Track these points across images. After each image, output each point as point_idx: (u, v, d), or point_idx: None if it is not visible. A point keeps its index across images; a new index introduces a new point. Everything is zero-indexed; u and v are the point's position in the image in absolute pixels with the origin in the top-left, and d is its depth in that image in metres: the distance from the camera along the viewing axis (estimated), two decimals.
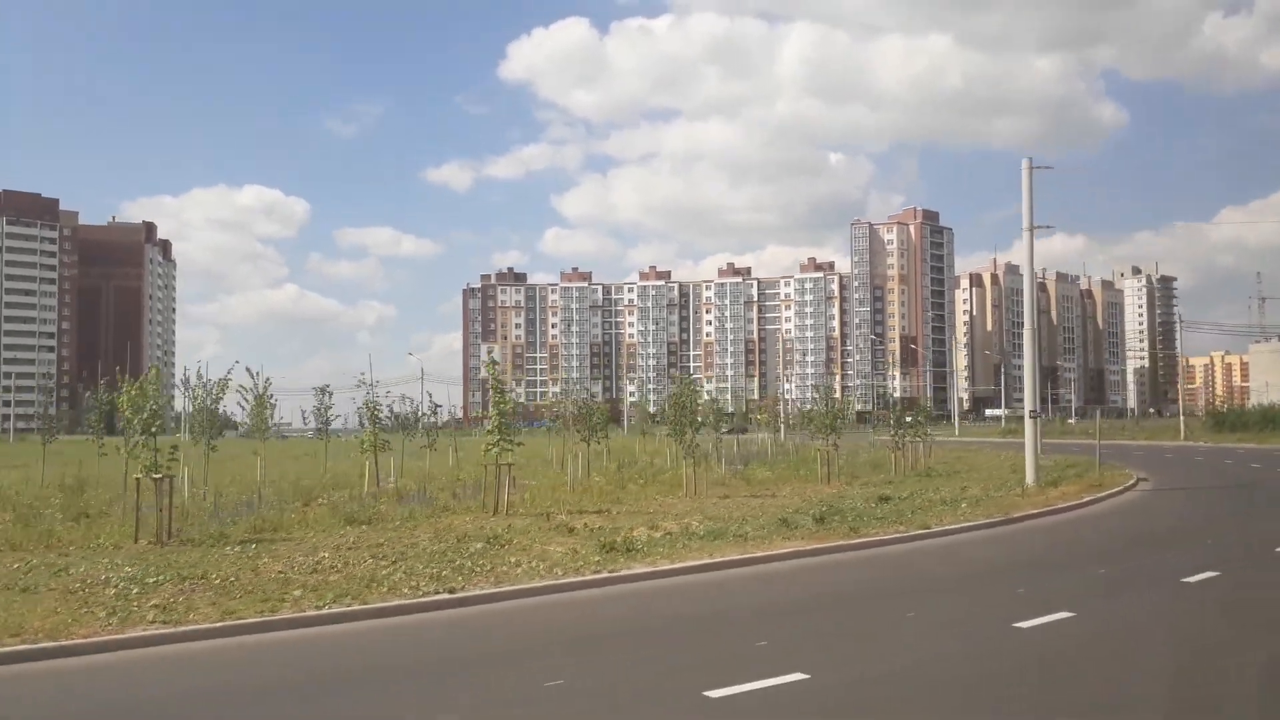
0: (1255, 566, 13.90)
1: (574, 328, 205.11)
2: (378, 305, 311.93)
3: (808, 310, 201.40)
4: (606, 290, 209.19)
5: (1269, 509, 22.51)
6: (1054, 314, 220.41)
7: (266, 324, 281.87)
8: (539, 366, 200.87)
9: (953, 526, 17.53)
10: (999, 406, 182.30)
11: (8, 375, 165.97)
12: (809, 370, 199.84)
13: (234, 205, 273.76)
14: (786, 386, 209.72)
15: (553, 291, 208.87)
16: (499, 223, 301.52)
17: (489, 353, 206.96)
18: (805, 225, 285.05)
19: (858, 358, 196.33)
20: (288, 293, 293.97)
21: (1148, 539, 17.35)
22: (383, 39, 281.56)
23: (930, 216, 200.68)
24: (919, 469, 34.68)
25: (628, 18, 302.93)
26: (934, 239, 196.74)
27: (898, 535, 16.43)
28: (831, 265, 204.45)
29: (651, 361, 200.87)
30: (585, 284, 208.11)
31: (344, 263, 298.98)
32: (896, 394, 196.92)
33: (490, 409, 19.89)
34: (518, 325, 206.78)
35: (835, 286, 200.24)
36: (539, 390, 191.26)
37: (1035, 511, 20.26)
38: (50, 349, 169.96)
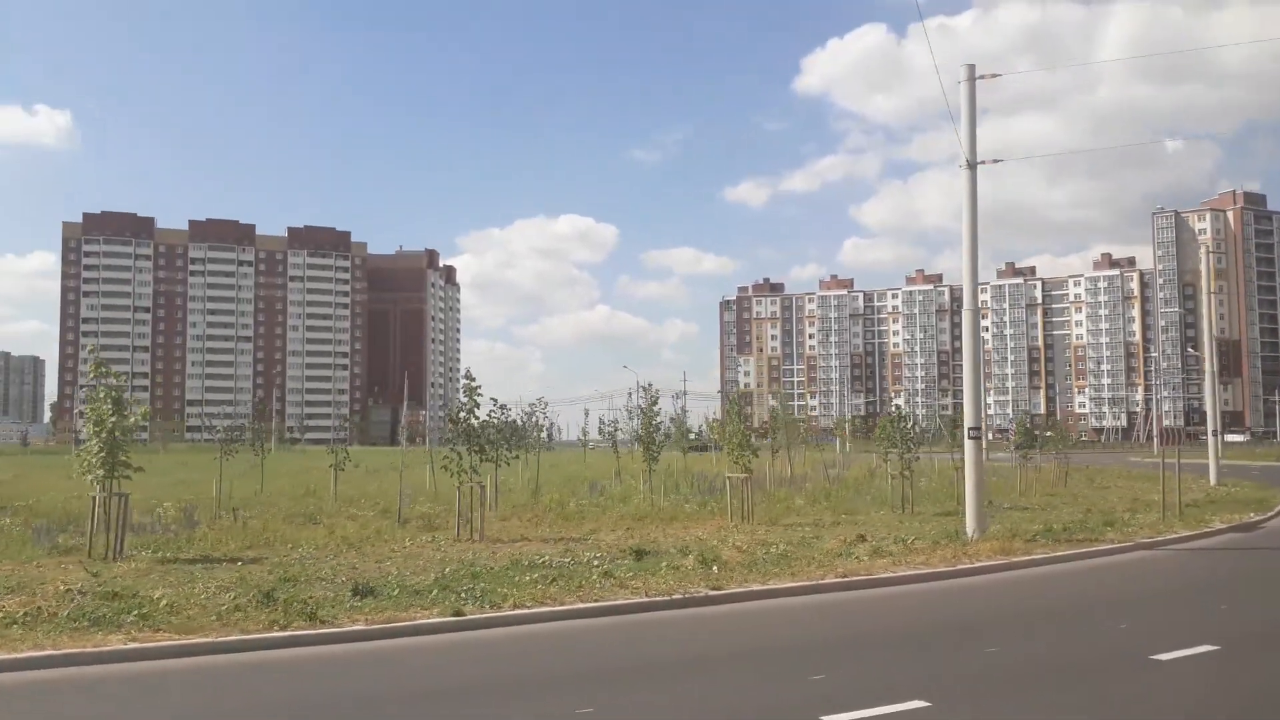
0: None
1: (833, 338, 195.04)
2: (680, 323, 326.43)
3: (1101, 313, 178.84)
4: (868, 297, 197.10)
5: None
6: None
7: (584, 343, 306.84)
8: (795, 380, 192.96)
9: (510, 614, 10.70)
10: None
11: (310, 391, 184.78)
12: (1105, 381, 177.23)
13: (552, 234, 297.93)
14: (1080, 399, 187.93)
15: (810, 300, 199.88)
16: (797, 236, 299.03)
17: (743, 364, 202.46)
18: (1138, 221, 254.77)
19: (1165, 365, 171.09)
20: (600, 313, 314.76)
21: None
22: (683, 68, 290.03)
23: (1254, 200, 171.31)
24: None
25: (927, 18, 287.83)
26: (1259, 226, 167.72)
27: (357, 630, 10.03)
28: (1131, 261, 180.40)
29: (920, 372, 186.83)
30: (845, 292, 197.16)
31: (650, 283, 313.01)
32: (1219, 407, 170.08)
33: (86, 420, 15.37)
34: (773, 337, 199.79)
35: (1135, 285, 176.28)
36: (796, 404, 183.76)
37: (796, 585, 12.61)
38: (344, 367, 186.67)
